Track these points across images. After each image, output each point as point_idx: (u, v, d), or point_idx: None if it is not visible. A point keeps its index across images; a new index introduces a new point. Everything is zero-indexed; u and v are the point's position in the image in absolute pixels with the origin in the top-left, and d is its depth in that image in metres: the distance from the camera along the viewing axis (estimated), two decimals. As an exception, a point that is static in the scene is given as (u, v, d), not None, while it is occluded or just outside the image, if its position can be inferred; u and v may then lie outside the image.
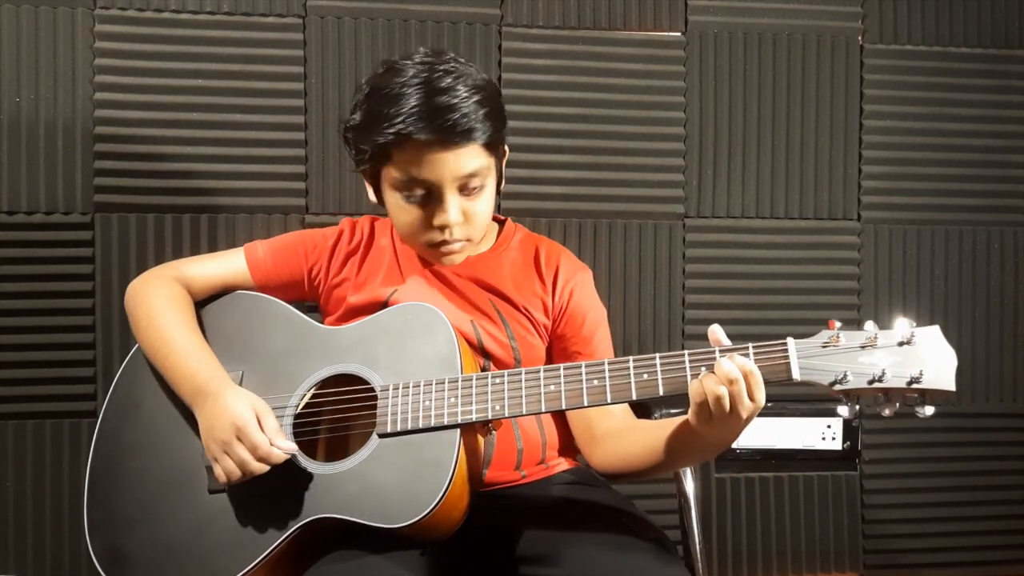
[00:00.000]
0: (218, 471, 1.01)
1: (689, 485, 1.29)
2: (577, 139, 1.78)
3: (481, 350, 1.17)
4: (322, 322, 1.22)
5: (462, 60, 1.12)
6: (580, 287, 1.24)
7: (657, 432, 1.08)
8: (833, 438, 1.83)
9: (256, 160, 1.70)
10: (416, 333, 1.07)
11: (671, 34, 1.82)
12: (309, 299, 1.27)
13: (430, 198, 1.09)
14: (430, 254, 1.17)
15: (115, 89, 1.66)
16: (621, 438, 1.15)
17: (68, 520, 1.67)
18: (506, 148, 1.19)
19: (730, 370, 0.90)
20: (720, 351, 0.94)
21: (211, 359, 1.09)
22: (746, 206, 1.84)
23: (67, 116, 1.65)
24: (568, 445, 1.25)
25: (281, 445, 1.00)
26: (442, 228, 1.10)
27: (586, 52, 1.78)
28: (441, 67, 1.08)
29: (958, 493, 1.91)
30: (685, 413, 0.97)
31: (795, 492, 1.87)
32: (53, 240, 1.66)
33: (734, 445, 1.80)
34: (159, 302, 1.15)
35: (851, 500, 1.89)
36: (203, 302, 1.20)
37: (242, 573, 0.98)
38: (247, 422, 0.99)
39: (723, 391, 0.89)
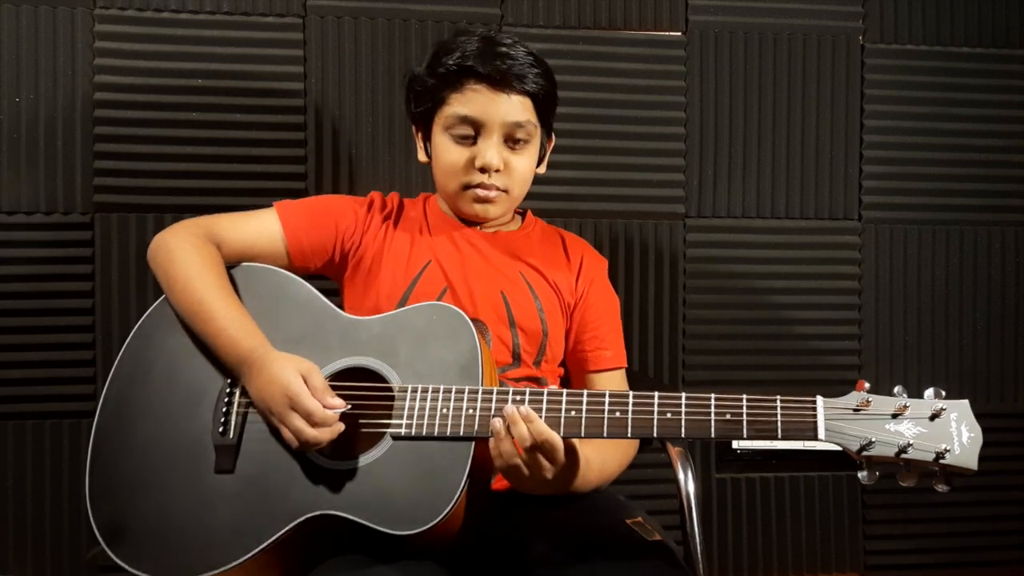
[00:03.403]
0: (287, 435, 1.00)
1: (690, 485, 1.29)
2: (577, 139, 1.78)
3: (511, 322, 1.18)
4: (341, 293, 1.22)
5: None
6: (600, 278, 1.29)
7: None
8: (833, 438, 1.82)
9: (256, 160, 1.70)
10: (440, 336, 1.06)
11: (671, 34, 1.82)
12: (336, 261, 1.24)
13: (476, 141, 1.16)
14: (466, 201, 1.20)
15: (115, 89, 1.66)
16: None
17: (68, 520, 1.67)
18: (553, 136, 1.29)
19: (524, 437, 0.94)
20: (748, 400, 0.94)
21: (252, 326, 1.07)
22: (746, 206, 1.84)
23: (67, 116, 1.65)
24: None
25: (330, 403, 0.99)
26: (481, 170, 1.16)
27: (586, 52, 1.78)
28: (506, 35, 1.19)
29: (958, 493, 1.87)
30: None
31: (796, 492, 1.87)
32: (53, 240, 1.66)
33: (734, 445, 1.83)
34: (195, 261, 1.11)
35: (852, 500, 1.89)
36: (229, 273, 1.16)
37: (240, 561, 0.97)
38: (298, 390, 0.98)
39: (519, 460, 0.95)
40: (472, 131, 1.15)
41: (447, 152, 1.18)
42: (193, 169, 1.68)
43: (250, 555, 0.97)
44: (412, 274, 1.19)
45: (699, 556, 1.29)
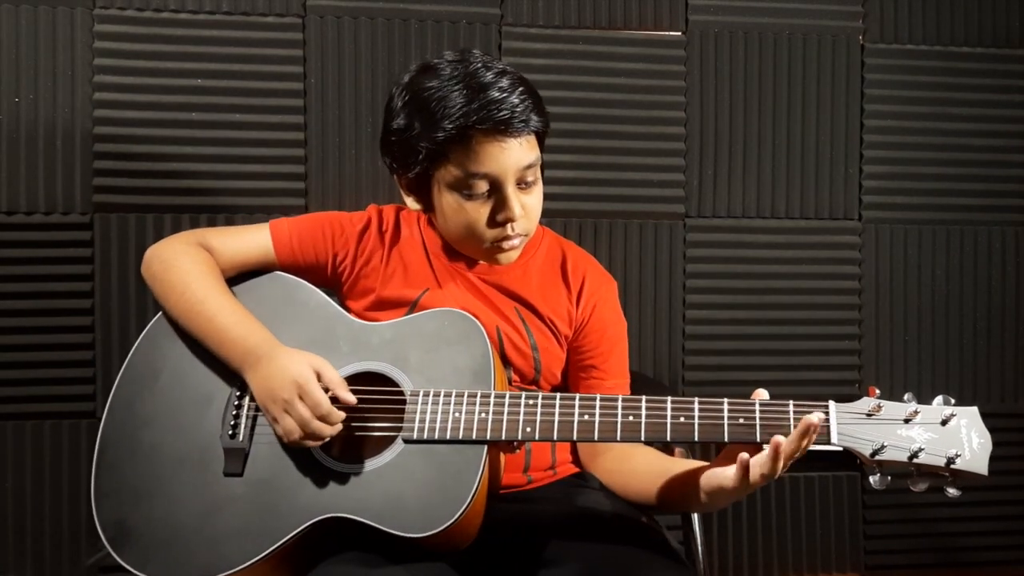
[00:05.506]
0: (279, 431, 1.00)
1: (691, 485, 1.29)
2: (577, 139, 1.78)
3: (502, 357, 1.15)
4: (343, 306, 1.20)
5: (488, 55, 1.12)
6: (604, 302, 1.23)
7: (668, 479, 1.06)
8: (834, 438, 1.83)
9: (256, 160, 1.70)
10: (451, 341, 1.06)
11: (671, 34, 1.82)
12: (330, 283, 1.23)
13: (490, 194, 1.08)
14: (487, 254, 1.14)
15: (114, 89, 1.66)
16: (625, 462, 1.15)
17: (67, 520, 1.67)
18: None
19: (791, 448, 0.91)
20: (760, 404, 0.94)
21: (256, 324, 1.07)
22: (746, 206, 1.84)
23: (66, 116, 1.65)
24: (576, 452, 1.24)
25: (344, 397, 0.99)
26: (504, 223, 1.09)
27: (586, 52, 1.78)
28: (477, 62, 1.08)
29: (958, 493, 1.91)
30: None
31: (796, 492, 1.87)
32: (52, 240, 1.65)
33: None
34: (193, 268, 1.11)
35: (852, 500, 1.89)
36: (235, 280, 1.16)
37: (249, 563, 0.96)
38: (308, 380, 0.98)
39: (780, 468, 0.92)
40: (487, 186, 1.08)
41: (461, 213, 1.10)
42: (192, 169, 1.68)
43: (260, 557, 0.96)
44: (408, 300, 1.17)
45: (701, 555, 1.29)
